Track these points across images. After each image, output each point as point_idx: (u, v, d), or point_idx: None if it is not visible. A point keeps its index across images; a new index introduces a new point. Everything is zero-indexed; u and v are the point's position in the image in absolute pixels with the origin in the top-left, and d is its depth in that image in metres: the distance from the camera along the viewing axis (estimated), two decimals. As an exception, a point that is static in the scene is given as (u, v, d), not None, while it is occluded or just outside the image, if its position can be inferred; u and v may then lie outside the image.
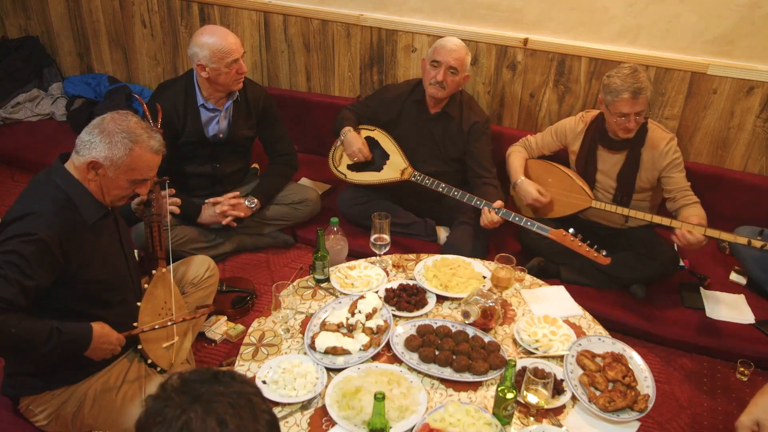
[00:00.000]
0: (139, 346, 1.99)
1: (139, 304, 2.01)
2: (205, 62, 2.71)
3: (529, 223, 2.59)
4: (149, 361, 2.02)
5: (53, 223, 1.74)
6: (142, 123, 1.87)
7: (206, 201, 2.93)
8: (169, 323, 2.06)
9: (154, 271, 2.12)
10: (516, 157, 2.93)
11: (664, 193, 2.70)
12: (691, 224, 2.44)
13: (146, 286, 2.08)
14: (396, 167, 2.97)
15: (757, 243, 2.35)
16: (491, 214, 2.66)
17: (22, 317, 1.68)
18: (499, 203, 2.68)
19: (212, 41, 2.70)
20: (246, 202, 2.97)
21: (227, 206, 2.91)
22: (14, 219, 1.74)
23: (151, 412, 0.98)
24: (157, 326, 2.00)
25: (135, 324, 1.97)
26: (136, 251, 2.19)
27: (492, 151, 2.99)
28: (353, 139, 2.97)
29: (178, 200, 2.36)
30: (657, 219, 2.47)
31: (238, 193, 2.98)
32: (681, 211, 2.61)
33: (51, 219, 1.75)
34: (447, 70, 2.78)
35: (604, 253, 2.39)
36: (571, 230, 2.48)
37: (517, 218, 2.61)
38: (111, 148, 1.79)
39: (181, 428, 0.94)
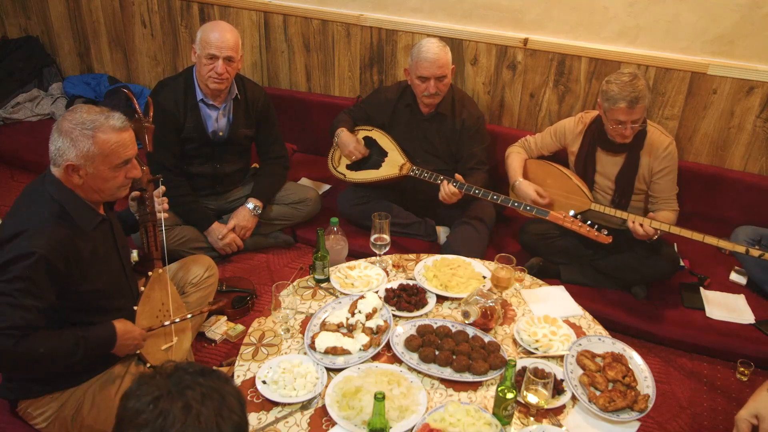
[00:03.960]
0: (138, 350, 1.98)
1: (135, 308, 1.99)
2: (196, 47, 2.76)
3: (528, 208, 2.59)
4: (148, 365, 2.01)
5: (51, 235, 1.72)
6: (94, 108, 1.82)
7: (220, 233, 2.95)
8: (189, 315, 2.11)
9: (150, 273, 2.10)
10: (515, 157, 2.93)
11: (650, 195, 2.70)
12: (668, 225, 2.46)
13: (142, 288, 2.06)
14: (394, 164, 2.97)
15: (755, 252, 2.34)
16: (449, 186, 2.66)
17: (45, 335, 1.71)
18: (458, 176, 2.68)
19: (205, 30, 2.73)
20: (249, 206, 2.98)
21: (230, 240, 2.97)
22: (10, 237, 1.70)
23: (133, 387, 1.05)
24: (177, 320, 2.06)
25: None
26: (135, 251, 2.17)
27: (486, 147, 2.99)
28: (347, 139, 2.98)
29: (165, 199, 2.28)
30: (656, 224, 2.46)
31: (248, 233, 3.02)
32: (655, 214, 2.62)
33: (49, 232, 1.72)
34: (436, 80, 2.77)
35: (605, 232, 2.40)
36: (571, 212, 2.48)
37: (515, 204, 2.62)
38: (76, 144, 1.75)
39: (149, 403, 1.01)
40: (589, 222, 2.45)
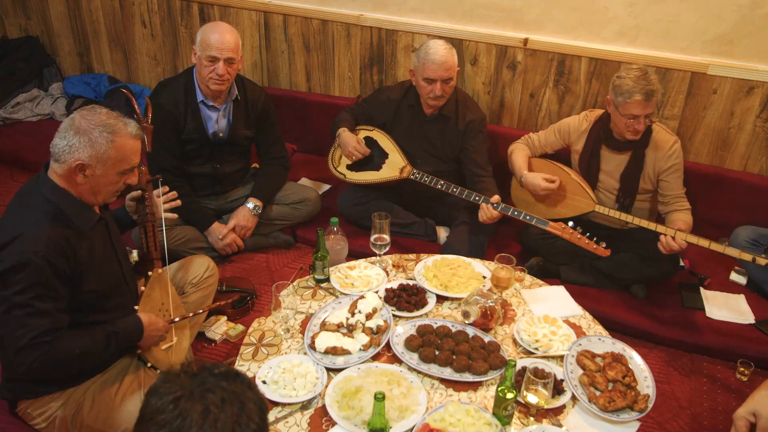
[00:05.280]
0: (138, 351, 1.98)
1: (136, 308, 1.99)
2: (196, 48, 2.76)
3: (528, 217, 2.59)
4: (149, 365, 2.01)
5: (48, 237, 1.71)
6: (112, 113, 1.83)
7: (220, 233, 2.95)
8: (200, 311, 2.18)
9: (150, 273, 2.10)
10: (519, 154, 2.92)
11: (659, 196, 2.70)
12: (687, 235, 2.43)
13: (143, 288, 2.06)
14: (395, 166, 2.96)
15: (762, 261, 2.32)
16: (490, 210, 2.66)
17: (76, 335, 1.74)
18: (496, 198, 2.67)
19: (205, 31, 2.73)
20: (249, 205, 2.98)
21: (230, 240, 2.96)
22: (6, 243, 1.69)
23: (158, 384, 1.06)
24: (191, 314, 2.13)
25: None
26: (136, 251, 2.17)
27: (488, 149, 2.98)
28: (348, 139, 2.97)
29: (174, 194, 2.28)
30: (661, 228, 2.46)
31: (248, 232, 3.02)
32: (670, 215, 2.62)
33: (46, 234, 1.72)
34: (442, 83, 2.77)
35: (603, 245, 2.39)
36: (570, 223, 2.48)
37: (515, 212, 2.61)
38: (93, 145, 1.75)
39: (170, 403, 1.01)
40: (588, 234, 2.44)
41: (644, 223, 2.56)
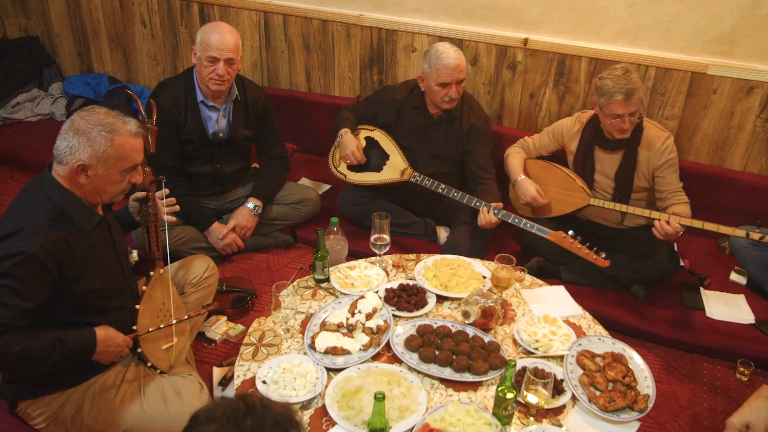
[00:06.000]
0: (139, 350, 1.98)
1: (137, 307, 2.00)
2: (196, 49, 2.75)
3: (528, 225, 2.59)
4: (149, 364, 2.01)
5: (45, 237, 1.71)
6: (110, 112, 1.84)
7: (220, 233, 2.94)
8: (174, 321, 2.07)
9: (151, 273, 2.11)
10: (515, 157, 2.93)
11: (656, 192, 2.71)
12: (677, 216, 2.45)
13: (144, 288, 2.06)
14: (396, 168, 2.96)
15: (755, 235, 2.34)
16: (489, 215, 2.66)
17: (23, 335, 1.69)
18: (498, 205, 2.68)
19: (205, 32, 2.73)
20: (249, 205, 2.98)
21: (230, 240, 2.95)
22: (4, 237, 1.70)
23: (203, 414, 1.00)
24: (162, 326, 2.02)
25: (134, 327, 1.96)
26: (136, 251, 2.17)
27: (491, 151, 2.99)
28: (348, 142, 2.97)
29: (173, 200, 2.29)
30: (656, 214, 2.48)
31: (248, 232, 3.02)
32: (668, 210, 2.63)
33: (43, 233, 1.72)
34: (456, 85, 2.78)
35: (603, 255, 2.39)
36: (570, 232, 2.48)
37: (516, 220, 2.61)
38: (92, 145, 1.76)
39: None
40: (587, 244, 2.45)
41: (638, 211, 2.57)
